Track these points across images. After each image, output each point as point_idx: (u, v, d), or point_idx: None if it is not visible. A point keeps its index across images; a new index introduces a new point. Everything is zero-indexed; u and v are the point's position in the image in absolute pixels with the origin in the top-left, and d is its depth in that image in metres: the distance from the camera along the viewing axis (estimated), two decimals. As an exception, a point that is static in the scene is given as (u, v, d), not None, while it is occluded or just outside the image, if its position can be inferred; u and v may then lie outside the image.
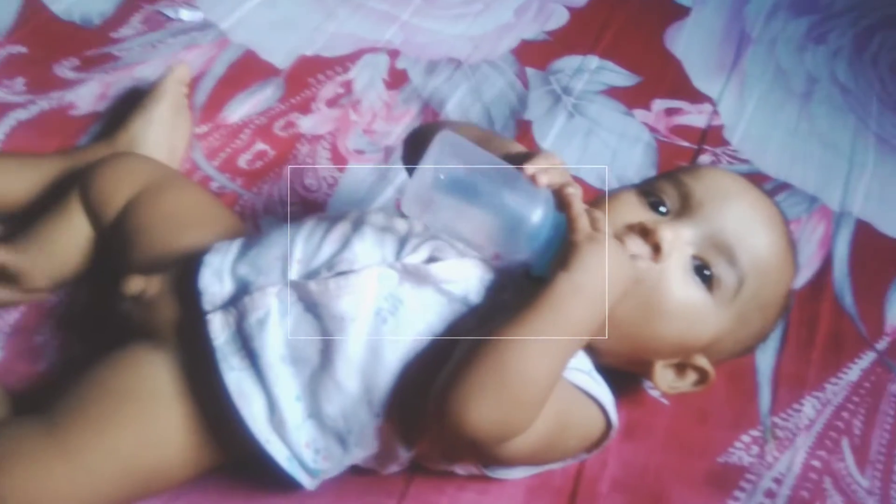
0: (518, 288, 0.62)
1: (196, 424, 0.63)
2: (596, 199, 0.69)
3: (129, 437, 0.61)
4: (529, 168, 0.59)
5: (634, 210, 0.67)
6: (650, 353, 0.67)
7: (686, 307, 0.64)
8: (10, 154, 0.88)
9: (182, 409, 0.63)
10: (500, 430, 0.55)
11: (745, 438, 0.76)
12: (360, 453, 0.63)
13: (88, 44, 1.06)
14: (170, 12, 1.13)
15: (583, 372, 0.63)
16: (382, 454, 0.63)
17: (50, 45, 1.05)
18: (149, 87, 0.92)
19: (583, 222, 0.58)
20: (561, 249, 0.58)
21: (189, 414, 0.63)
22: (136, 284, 0.67)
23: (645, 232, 0.64)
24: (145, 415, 0.62)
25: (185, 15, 1.13)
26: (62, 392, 0.64)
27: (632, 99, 1.11)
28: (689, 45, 1.22)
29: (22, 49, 1.04)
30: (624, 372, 0.69)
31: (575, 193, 0.59)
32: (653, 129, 1.07)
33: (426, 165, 0.58)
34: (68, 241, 0.76)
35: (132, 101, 0.93)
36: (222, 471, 0.67)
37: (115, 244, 0.75)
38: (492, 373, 0.54)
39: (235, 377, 0.61)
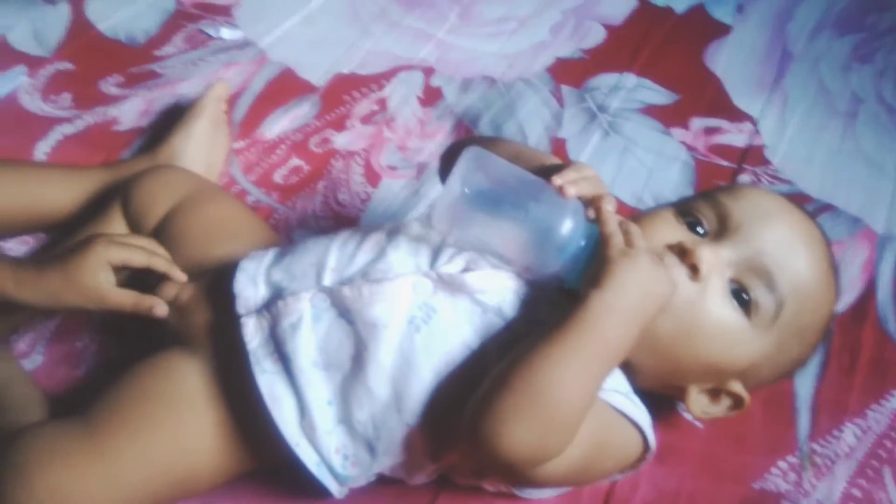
0: (553, 302, 0.63)
1: (228, 429, 0.65)
2: (631, 217, 0.69)
3: (163, 440, 0.64)
4: (557, 180, 0.60)
5: (672, 230, 0.66)
6: (685, 376, 0.66)
7: (722, 331, 0.63)
8: (56, 166, 0.93)
9: (214, 413, 0.65)
10: (535, 453, 0.55)
11: (782, 465, 0.75)
12: (387, 461, 0.64)
13: (133, 61, 1.12)
14: (211, 31, 1.18)
15: (620, 393, 0.63)
16: (409, 463, 0.64)
17: (96, 62, 1.11)
18: (189, 104, 0.96)
19: (616, 237, 0.58)
20: (594, 264, 0.59)
21: (221, 419, 0.65)
22: (170, 290, 0.70)
23: (683, 252, 0.63)
24: (178, 419, 0.65)
25: (226, 34, 1.17)
26: (98, 395, 0.66)
27: (669, 117, 1.12)
28: (730, 63, 1.22)
29: (69, 66, 1.10)
30: (658, 394, 0.69)
31: (608, 206, 0.60)
32: (691, 148, 1.07)
33: (453, 181, 0.60)
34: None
35: (173, 117, 0.97)
36: (253, 477, 0.69)
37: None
38: (524, 395, 0.54)
39: (268, 380, 0.63)
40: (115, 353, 0.79)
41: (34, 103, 1.04)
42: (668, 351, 0.63)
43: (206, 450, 0.65)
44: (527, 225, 0.60)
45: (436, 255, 0.64)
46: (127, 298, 0.68)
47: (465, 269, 0.63)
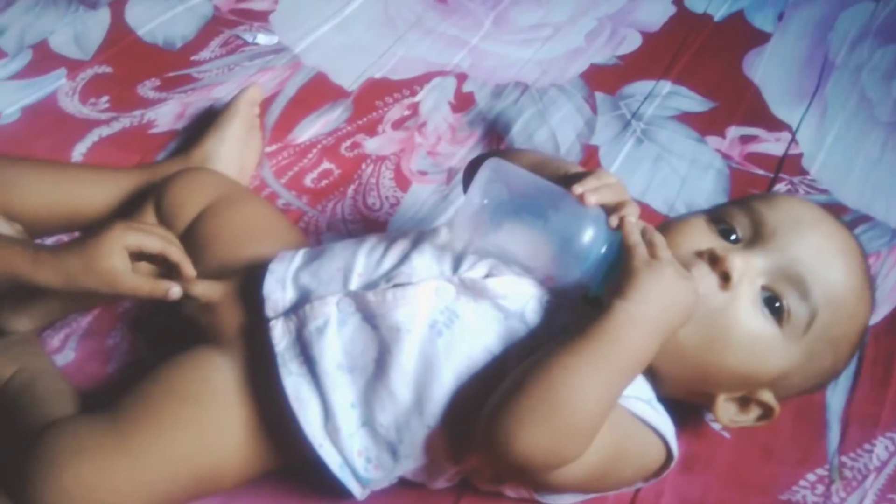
0: (575, 309, 0.64)
1: (253, 428, 0.67)
2: (663, 224, 0.70)
3: (189, 437, 0.65)
4: (577, 188, 0.61)
5: (703, 237, 0.66)
6: (713, 384, 0.66)
7: (753, 339, 0.63)
8: (92, 167, 0.96)
9: (241, 412, 0.67)
10: (549, 457, 0.56)
11: (811, 477, 0.75)
12: (409, 464, 0.65)
13: (170, 66, 1.15)
14: (247, 37, 1.21)
15: (642, 401, 0.63)
16: (431, 466, 0.65)
17: (134, 65, 1.15)
18: (223, 107, 0.99)
19: (639, 248, 0.59)
20: (617, 273, 0.59)
21: (247, 417, 0.67)
22: (200, 288, 0.71)
23: (714, 259, 0.63)
24: (205, 417, 0.66)
25: (262, 39, 1.20)
26: (128, 391, 0.68)
27: (705, 125, 1.12)
28: (769, 71, 1.22)
29: (108, 69, 1.14)
30: (685, 402, 0.69)
31: (630, 216, 0.61)
32: (726, 157, 1.07)
33: (473, 192, 0.61)
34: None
35: (208, 120, 0.99)
36: (276, 476, 0.70)
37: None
38: (542, 400, 0.55)
39: (293, 382, 0.64)
40: (145, 351, 0.81)
41: (73, 105, 1.08)
42: (696, 359, 0.63)
43: (232, 448, 0.66)
44: (548, 234, 0.61)
45: (459, 260, 0.65)
46: (142, 283, 0.69)
47: (488, 275, 0.64)
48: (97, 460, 0.63)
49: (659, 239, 0.60)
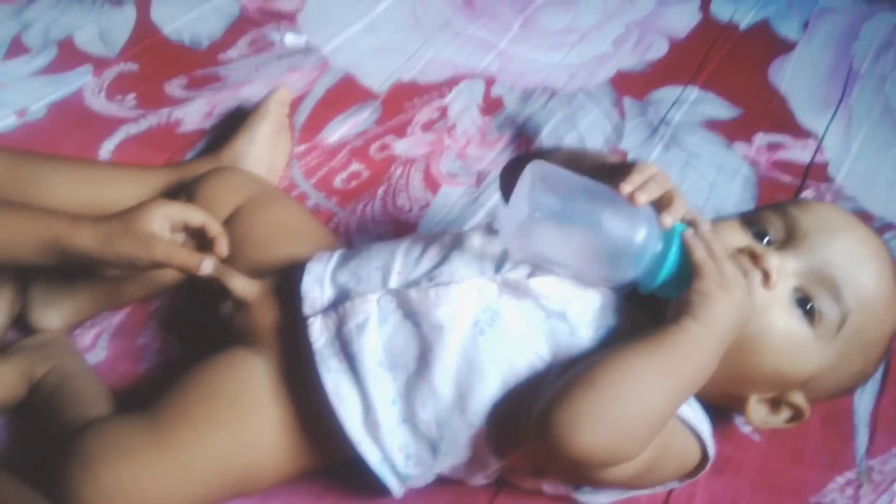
0: (619, 308, 0.65)
1: (290, 427, 0.68)
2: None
3: (226, 437, 0.66)
4: (625, 187, 0.62)
5: (738, 237, 0.68)
6: (746, 384, 0.68)
7: (787, 339, 0.65)
8: (122, 166, 0.97)
9: (277, 412, 0.68)
10: (608, 456, 0.57)
11: (840, 480, 0.77)
12: (449, 461, 0.66)
13: (197, 64, 1.17)
14: (275, 36, 1.23)
15: None
16: (472, 463, 0.66)
17: (160, 64, 1.16)
18: (253, 107, 1.00)
19: (707, 265, 0.60)
20: (676, 272, 0.61)
21: (284, 417, 0.68)
22: (244, 284, 0.72)
23: (754, 256, 0.65)
24: (242, 417, 0.67)
25: (290, 39, 1.22)
26: (164, 391, 0.69)
27: (732, 132, 1.14)
28: (794, 79, 1.24)
29: (134, 67, 1.16)
30: (715, 405, 0.70)
31: (677, 209, 0.62)
32: (753, 163, 1.09)
33: (518, 198, 0.61)
34: (173, 248, 0.83)
35: (236, 120, 1.01)
36: (314, 475, 0.72)
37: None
38: (612, 399, 0.56)
39: (333, 378, 0.66)
40: (177, 350, 0.83)
41: (100, 103, 1.09)
42: (732, 358, 0.64)
43: (269, 447, 0.67)
44: (600, 238, 0.62)
45: (501, 261, 0.67)
46: (177, 251, 0.69)
47: (531, 275, 0.65)
48: (135, 461, 0.64)
49: (719, 248, 0.62)
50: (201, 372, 0.71)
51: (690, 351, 0.59)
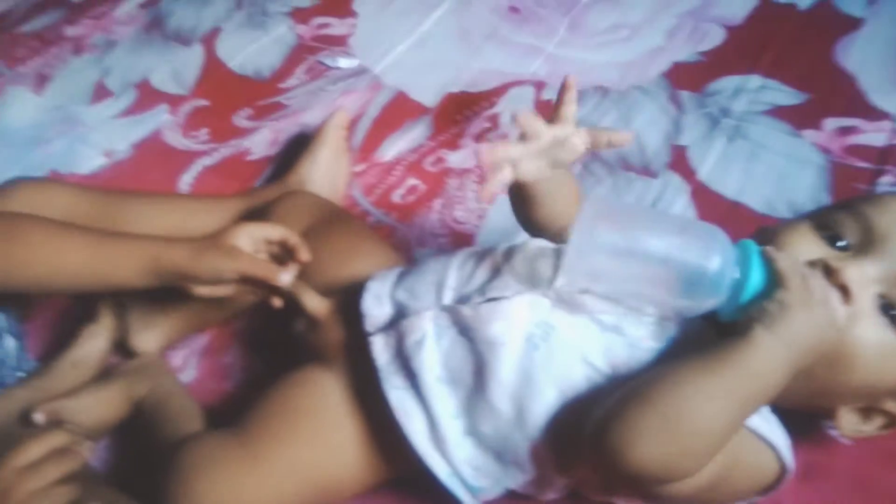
0: (681, 322, 0.62)
1: (366, 441, 0.69)
2: (764, 230, 0.67)
3: (308, 450, 0.68)
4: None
5: (811, 245, 0.63)
6: (835, 398, 0.63)
7: (876, 351, 0.60)
8: (199, 197, 1.01)
9: (352, 425, 0.69)
10: (664, 472, 0.55)
11: None
12: (516, 474, 0.66)
13: (260, 94, 1.19)
14: (329, 61, 1.24)
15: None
16: (538, 478, 0.65)
17: (228, 97, 1.20)
18: (313, 132, 1.03)
19: (793, 280, 0.55)
20: (762, 297, 0.55)
21: (359, 430, 0.69)
22: (316, 301, 0.73)
23: (828, 271, 0.60)
24: (322, 431, 0.69)
25: (343, 63, 1.23)
26: (250, 408, 0.72)
27: (800, 118, 1.05)
28: (864, 58, 1.13)
29: (205, 102, 1.20)
30: (800, 412, 0.65)
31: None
32: (825, 150, 1.00)
33: (580, 238, 0.57)
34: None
35: (299, 145, 1.04)
36: (388, 486, 0.72)
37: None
38: (668, 416, 0.53)
39: (397, 395, 0.66)
40: (259, 367, 0.86)
41: (176, 139, 1.13)
42: (819, 375, 0.60)
43: (348, 460, 0.69)
44: (671, 271, 0.57)
45: (553, 274, 0.65)
46: (259, 262, 0.74)
47: (584, 291, 0.62)
48: (228, 474, 0.67)
49: (807, 271, 0.57)
50: (282, 388, 0.73)
51: (758, 366, 0.55)
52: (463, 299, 0.66)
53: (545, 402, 0.61)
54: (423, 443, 0.65)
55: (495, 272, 0.66)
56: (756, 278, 0.56)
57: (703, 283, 0.56)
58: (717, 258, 0.56)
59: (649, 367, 0.60)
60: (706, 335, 0.62)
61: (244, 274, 0.72)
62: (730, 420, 0.55)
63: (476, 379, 0.64)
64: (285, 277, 0.72)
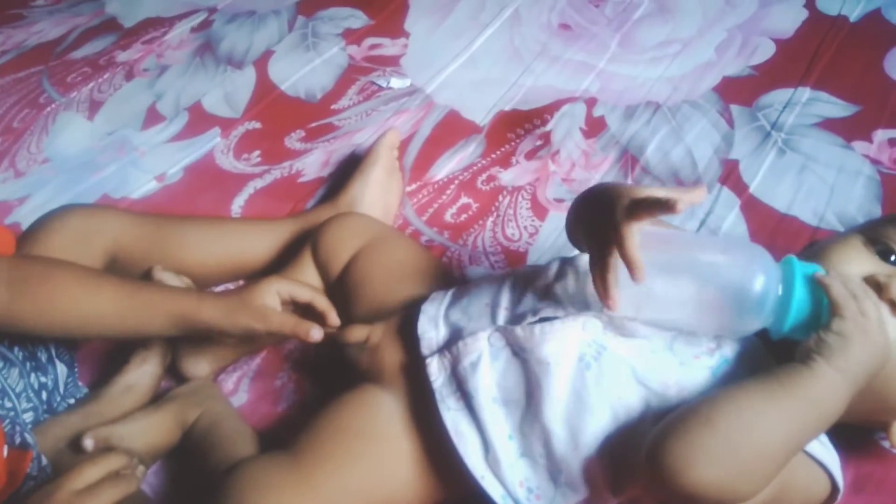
0: (737, 343, 0.64)
1: (420, 461, 0.70)
2: (815, 244, 0.70)
3: (362, 472, 0.70)
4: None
5: (863, 260, 0.65)
6: (888, 411, 0.66)
7: None
8: (251, 221, 1.04)
9: (407, 446, 0.71)
10: (721, 494, 0.56)
11: None
12: (570, 494, 0.66)
13: (312, 116, 1.23)
14: (381, 82, 1.29)
15: None
16: (591, 499, 0.66)
17: (280, 119, 1.24)
18: (364, 153, 1.06)
19: (849, 307, 0.58)
20: (813, 324, 0.58)
21: (413, 451, 0.71)
22: (358, 333, 0.77)
23: (879, 287, 0.62)
24: (376, 452, 0.71)
25: (395, 83, 1.28)
26: (303, 430, 0.74)
27: (850, 130, 1.09)
28: None
29: (257, 125, 1.24)
30: (852, 426, 0.68)
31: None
32: (875, 162, 1.04)
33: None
34: (303, 293, 0.89)
35: (351, 166, 1.06)
36: None
37: (340, 295, 0.86)
38: (728, 439, 0.55)
39: (452, 417, 0.68)
40: (310, 390, 0.87)
41: (228, 162, 1.17)
42: (873, 392, 0.62)
43: (402, 481, 0.70)
44: (715, 292, 0.59)
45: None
46: (288, 320, 0.76)
47: (631, 319, 0.65)
48: (282, 497, 0.68)
49: (857, 286, 0.60)
50: (335, 410, 0.74)
51: (820, 396, 0.57)
52: (516, 319, 0.68)
53: (598, 422, 0.63)
54: (477, 464, 0.66)
55: (547, 292, 0.69)
56: (800, 297, 0.58)
57: (747, 303, 0.58)
58: (760, 277, 0.58)
59: (705, 387, 0.62)
60: (760, 354, 0.64)
61: (274, 332, 0.75)
62: (790, 446, 0.57)
63: (529, 399, 0.65)
64: (316, 334, 0.74)
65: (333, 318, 0.79)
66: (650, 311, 0.63)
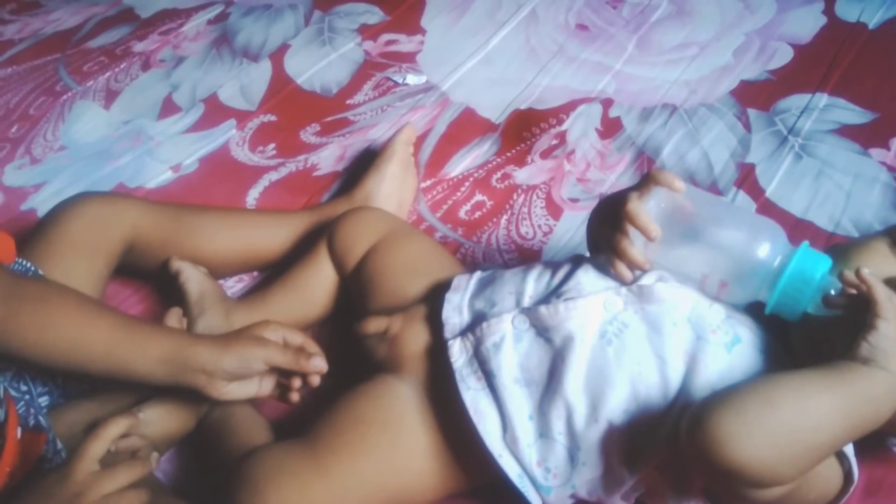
0: (750, 324, 0.67)
1: (437, 450, 0.72)
2: (840, 247, 0.71)
3: (380, 461, 0.71)
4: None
5: (889, 263, 0.67)
6: None
7: None
8: (266, 212, 1.06)
9: (424, 435, 0.72)
10: (764, 474, 0.57)
11: None
12: (587, 472, 0.68)
13: (328, 110, 1.24)
14: (397, 78, 1.29)
15: None
16: (607, 477, 0.68)
17: (295, 113, 1.25)
18: (380, 148, 1.06)
19: (889, 309, 0.59)
20: (795, 303, 0.62)
21: (431, 440, 0.72)
22: (377, 324, 0.78)
23: None
24: (393, 441, 0.72)
25: (411, 79, 1.28)
26: (319, 419, 0.75)
27: (867, 137, 1.09)
28: None
29: (272, 118, 1.25)
30: None
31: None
32: (892, 169, 1.05)
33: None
34: (318, 286, 0.90)
35: (366, 161, 1.07)
36: (459, 498, 0.75)
37: (355, 288, 0.88)
38: (789, 423, 0.57)
39: (472, 396, 0.70)
40: (325, 380, 0.85)
41: (244, 154, 1.18)
42: None
43: (418, 470, 0.72)
44: (719, 249, 0.65)
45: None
46: (288, 351, 0.73)
47: (657, 281, 0.69)
48: (297, 484, 0.69)
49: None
50: (353, 399, 0.75)
51: (877, 395, 0.59)
52: (540, 302, 0.71)
53: (618, 395, 0.65)
54: (495, 444, 0.68)
55: (570, 275, 0.72)
56: (792, 274, 0.62)
57: (747, 264, 0.63)
58: (765, 245, 0.63)
59: (720, 363, 0.64)
60: (772, 342, 0.67)
61: (273, 363, 0.72)
62: (841, 440, 0.60)
63: (551, 377, 0.67)
64: (318, 363, 0.73)
65: (320, 365, 0.75)
66: (666, 260, 0.68)
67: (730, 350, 0.65)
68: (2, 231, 0.75)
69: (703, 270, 0.67)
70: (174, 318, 0.84)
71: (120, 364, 0.70)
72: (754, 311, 0.68)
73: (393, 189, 1.02)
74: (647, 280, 0.69)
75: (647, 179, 0.69)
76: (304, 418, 0.76)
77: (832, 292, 0.63)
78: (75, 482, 0.62)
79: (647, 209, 0.67)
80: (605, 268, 0.71)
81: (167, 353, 0.70)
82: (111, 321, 0.71)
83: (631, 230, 0.67)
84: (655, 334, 0.67)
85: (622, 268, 0.69)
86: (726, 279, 0.66)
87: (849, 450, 0.64)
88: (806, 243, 0.65)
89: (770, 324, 0.67)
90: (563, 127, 1.17)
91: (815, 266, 0.63)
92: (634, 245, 0.68)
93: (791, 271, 0.63)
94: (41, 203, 1.11)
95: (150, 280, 0.97)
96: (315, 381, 0.75)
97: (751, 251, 0.64)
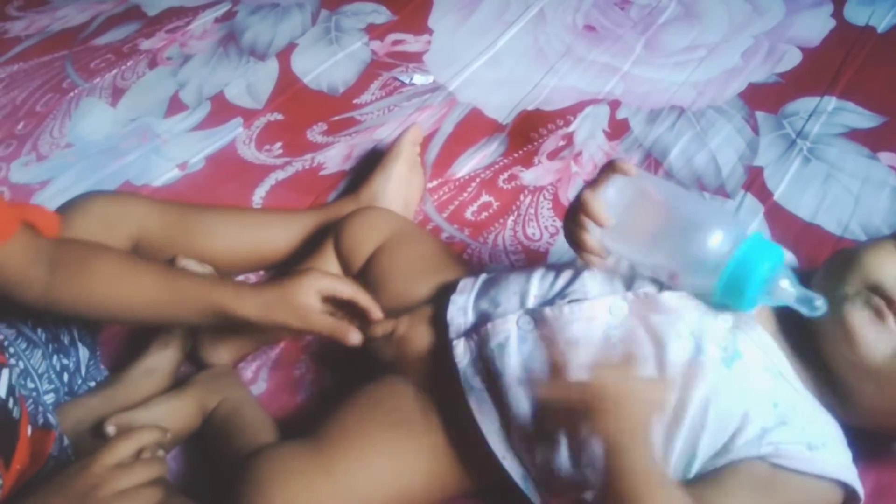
0: (754, 335, 0.66)
1: (442, 451, 0.72)
2: (848, 250, 0.71)
3: (385, 461, 0.71)
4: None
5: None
6: None
7: None
8: (273, 211, 1.06)
9: (428, 436, 0.72)
10: None
11: None
12: (592, 472, 0.66)
13: (334, 110, 1.25)
14: (404, 78, 1.29)
15: (807, 446, 0.63)
16: None
17: (302, 112, 1.25)
18: (387, 148, 1.06)
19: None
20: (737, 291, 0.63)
21: (436, 441, 0.72)
22: (384, 327, 0.78)
23: None
24: (398, 441, 0.72)
25: (418, 79, 1.28)
26: (325, 419, 0.75)
27: (876, 141, 1.09)
28: None
29: (279, 116, 1.25)
30: (871, 433, 0.69)
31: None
32: None
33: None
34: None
35: (373, 160, 1.07)
36: (462, 499, 0.75)
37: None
38: None
39: (477, 396, 0.70)
40: (330, 381, 0.88)
41: (250, 152, 1.18)
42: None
43: (423, 470, 0.72)
44: (673, 239, 0.66)
45: (630, 279, 0.70)
46: (327, 322, 0.76)
47: (661, 291, 0.68)
48: (302, 483, 0.69)
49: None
50: (359, 400, 0.76)
51: None
52: (546, 303, 0.71)
53: None
54: (499, 444, 0.68)
55: (575, 277, 0.72)
56: (737, 262, 0.63)
57: (699, 252, 0.64)
58: (718, 233, 0.64)
59: (718, 378, 0.64)
60: (780, 361, 0.67)
61: (312, 332, 0.76)
62: None
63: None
64: (355, 338, 0.75)
65: (377, 313, 0.79)
66: (624, 246, 0.69)
67: (729, 366, 0.65)
68: (46, 210, 0.77)
69: (656, 259, 0.68)
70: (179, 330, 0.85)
71: (166, 315, 0.76)
72: (780, 316, 0.68)
73: (399, 189, 1.02)
74: (649, 289, 0.69)
75: (606, 168, 0.70)
76: (311, 418, 0.77)
77: (782, 283, 0.63)
78: (93, 475, 0.62)
79: (604, 198, 0.67)
80: (611, 272, 0.71)
81: (212, 307, 0.74)
82: (155, 278, 0.75)
83: (586, 220, 0.68)
84: (657, 346, 0.66)
85: (586, 256, 0.70)
86: (676, 269, 0.67)
87: (831, 468, 0.63)
88: (758, 233, 0.66)
89: (797, 328, 0.67)
90: (571, 128, 1.17)
91: (764, 256, 0.64)
92: (591, 234, 0.68)
93: (736, 261, 0.64)
94: (47, 200, 1.12)
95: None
96: (354, 339, 0.75)
97: (701, 241, 0.65)
